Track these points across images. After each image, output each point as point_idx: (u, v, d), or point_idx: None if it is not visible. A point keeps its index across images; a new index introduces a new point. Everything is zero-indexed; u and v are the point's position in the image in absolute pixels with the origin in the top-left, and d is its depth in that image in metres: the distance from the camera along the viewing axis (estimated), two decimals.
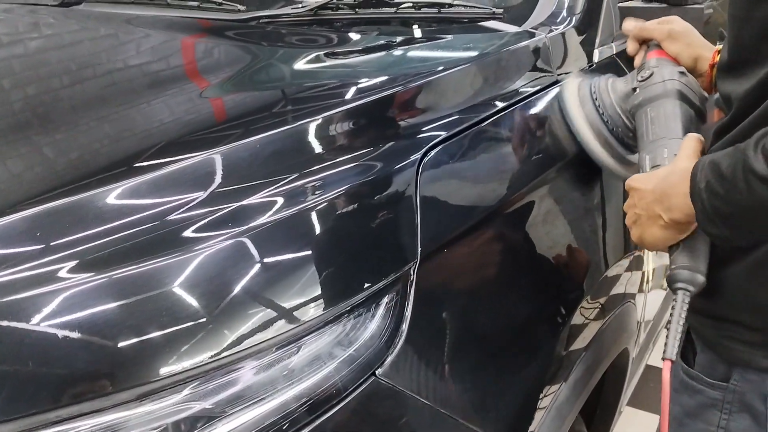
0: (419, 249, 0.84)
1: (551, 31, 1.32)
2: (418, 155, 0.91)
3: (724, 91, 0.88)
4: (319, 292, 0.75)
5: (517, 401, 0.97)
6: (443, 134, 0.97)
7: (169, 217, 0.74)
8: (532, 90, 1.19)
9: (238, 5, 1.48)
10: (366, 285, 0.78)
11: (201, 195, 0.78)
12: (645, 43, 1.20)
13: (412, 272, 0.83)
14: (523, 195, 1.07)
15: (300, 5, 1.43)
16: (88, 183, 0.80)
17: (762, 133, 0.75)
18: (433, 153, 0.93)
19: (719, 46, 1.12)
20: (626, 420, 2.12)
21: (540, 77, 1.23)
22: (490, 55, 1.20)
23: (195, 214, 0.76)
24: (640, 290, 1.56)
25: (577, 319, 1.17)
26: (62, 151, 0.95)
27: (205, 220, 0.75)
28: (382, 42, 1.31)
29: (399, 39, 1.32)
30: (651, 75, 1.09)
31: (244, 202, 0.78)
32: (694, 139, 0.94)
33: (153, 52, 1.38)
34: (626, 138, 1.16)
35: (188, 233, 0.73)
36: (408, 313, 0.82)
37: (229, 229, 0.74)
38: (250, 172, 0.83)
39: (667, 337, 0.87)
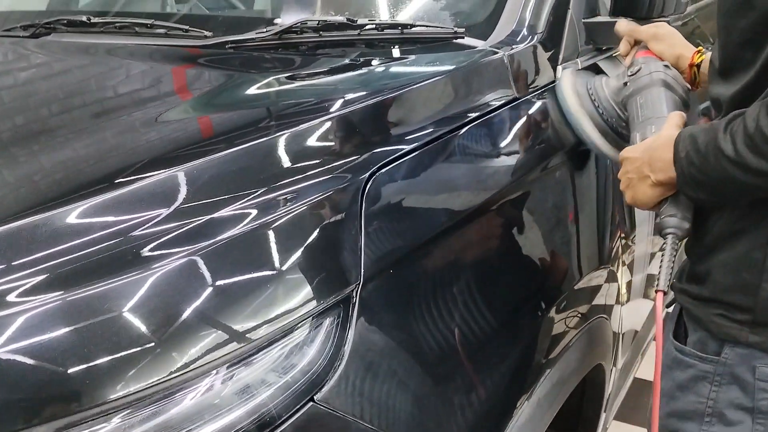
0: (362, 270, 0.84)
1: (512, 48, 1.32)
2: (364, 176, 0.91)
3: (714, 95, 0.99)
4: (255, 316, 0.74)
5: (472, 422, 0.97)
6: (393, 153, 0.97)
7: (94, 247, 0.74)
8: (490, 108, 1.19)
9: (204, 32, 1.49)
10: (305, 308, 0.77)
11: (134, 222, 0.78)
12: (636, 44, 1.34)
13: (354, 294, 0.83)
14: (477, 213, 1.06)
15: (265, 30, 1.44)
16: (42, 207, 0.80)
17: (732, 116, 0.88)
18: (380, 174, 0.93)
19: (699, 48, 1.27)
20: None
21: (499, 95, 1.24)
22: (448, 74, 1.20)
23: (131, 238, 0.75)
24: (617, 303, 1.54)
25: (540, 335, 1.16)
26: (18, 175, 0.95)
27: (138, 246, 0.74)
28: (337, 65, 1.32)
29: (357, 61, 1.32)
30: (639, 69, 1.23)
31: (184, 226, 0.77)
32: (676, 115, 1.08)
33: (123, 81, 1.38)
34: (620, 128, 1.29)
35: (124, 259, 0.73)
36: (350, 336, 0.81)
37: (163, 254, 0.74)
38: (190, 195, 0.83)
39: (659, 273, 1.00)
